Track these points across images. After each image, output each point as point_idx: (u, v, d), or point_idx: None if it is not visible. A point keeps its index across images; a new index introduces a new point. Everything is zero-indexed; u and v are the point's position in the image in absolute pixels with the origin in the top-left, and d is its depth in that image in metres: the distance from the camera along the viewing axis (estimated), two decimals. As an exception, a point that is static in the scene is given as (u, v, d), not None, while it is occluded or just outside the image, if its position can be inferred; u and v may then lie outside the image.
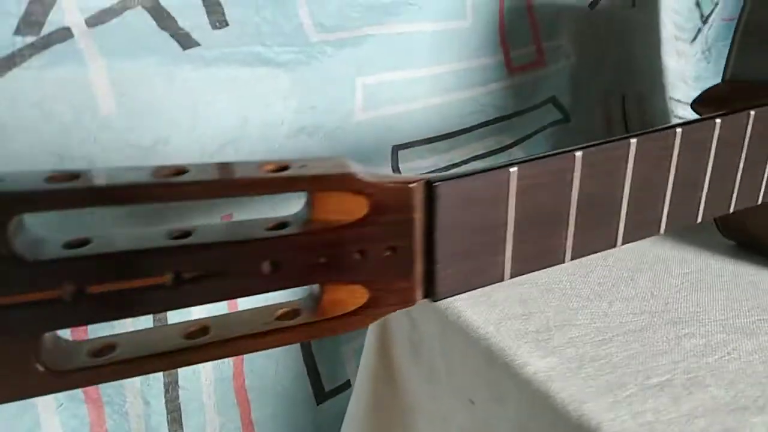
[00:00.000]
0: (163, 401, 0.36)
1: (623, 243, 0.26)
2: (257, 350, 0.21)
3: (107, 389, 0.34)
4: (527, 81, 0.61)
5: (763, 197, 0.33)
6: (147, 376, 0.35)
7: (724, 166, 0.30)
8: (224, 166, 0.19)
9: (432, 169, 0.54)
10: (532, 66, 0.62)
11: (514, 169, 0.22)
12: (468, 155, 0.56)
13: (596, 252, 0.26)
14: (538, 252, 0.24)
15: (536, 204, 0.23)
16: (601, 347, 0.31)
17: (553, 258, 0.24)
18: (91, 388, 0.34)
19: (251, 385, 0.40)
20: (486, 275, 0.23)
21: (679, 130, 0.27)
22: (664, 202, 0.28)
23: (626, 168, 0.26)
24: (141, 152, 0.33)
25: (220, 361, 0.40)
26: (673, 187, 0.27)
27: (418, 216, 0.21)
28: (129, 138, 0.33)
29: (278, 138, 0.39)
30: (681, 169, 0.27)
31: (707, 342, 0.33)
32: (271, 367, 0.43)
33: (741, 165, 0.31)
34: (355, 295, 0.22)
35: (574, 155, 0.24)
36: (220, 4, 0.38)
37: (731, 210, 0.32)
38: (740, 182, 0.31)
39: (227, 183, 0.18)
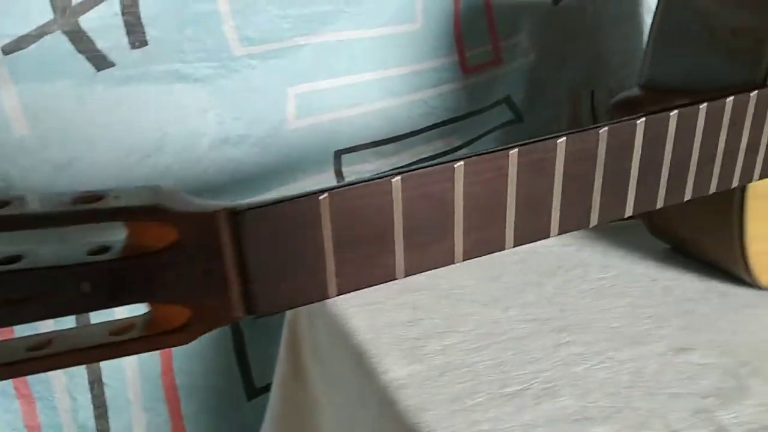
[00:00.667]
0: (89, 397, 0.39)
1: (464, 259, 0.27)
2: (92, 362, 0.23)
3: (36, 386, 0.38)
4: (482, 81, 0.61)
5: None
6: (72, 372, 0.38)
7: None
8: (46, 198, 0.21)
9: (377, 173, 0.55)
10: (488, 65, 0.62)
11: (324, 196, 0.23)
12: (414, 158, 0.57)
13: (433, 268, 0.27)
14: (365, 269, 0.25)
15: (356, 224, 0.24)
16: (472, 355, 0.32)
17: (383, 274, 0.25)
18: (21, 385, 0.38)
19: (181, 382, 0.43)
20: (310, 293, 0.24)
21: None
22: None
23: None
24: (57, 170, 0.36)
25: (146, 357, 0.43)
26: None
27: (226, 241, 0.23)
28: (44, 157, 0.36)
29: (200, 149, 0.42)
30: (522, 189, 0.28)
31: (585, 351, 0.34)
32: (202, 364, 0.45)
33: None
34: (180, 313, 0.24)
35: (390, 181, 0.25)
36: (141, 24, 0.40)
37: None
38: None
39: (38, 216, 0.21)
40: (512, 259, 0.45)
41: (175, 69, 0.40)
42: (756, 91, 0.32)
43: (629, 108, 0.40)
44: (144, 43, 0.40)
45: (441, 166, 0.26)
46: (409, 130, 0.57)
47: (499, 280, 0.41)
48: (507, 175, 0.27)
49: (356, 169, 0.54)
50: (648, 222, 0.47)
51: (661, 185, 0.33)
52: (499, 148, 0.27)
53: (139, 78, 0.39)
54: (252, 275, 0.23)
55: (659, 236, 0.47)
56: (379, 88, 0.54)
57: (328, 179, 0.52)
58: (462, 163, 0.26)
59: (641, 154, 0.31)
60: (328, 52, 0.49)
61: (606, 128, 0.29)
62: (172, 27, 0.41)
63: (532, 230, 0.29)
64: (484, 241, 0.28)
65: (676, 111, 0.30)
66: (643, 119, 0.29)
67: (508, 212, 0.28)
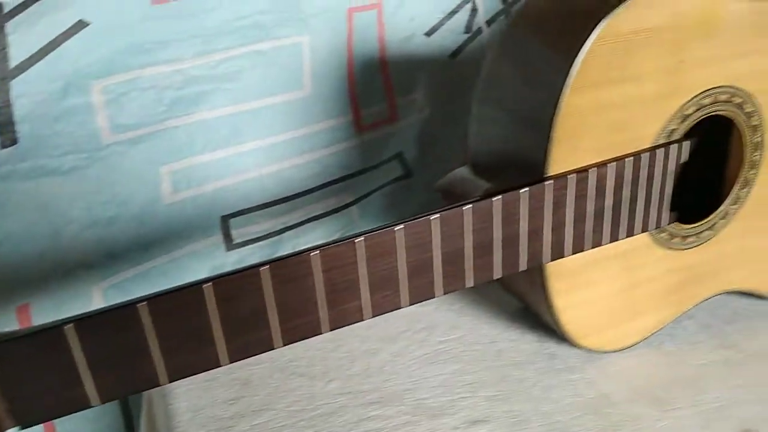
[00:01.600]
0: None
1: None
2: None
3: None
4: (377, 138, 0.64)
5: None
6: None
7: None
8: None
9: (267, 232, 0.59)
10: (383, 123, 0.65)
11: (69, 326, 0.27)
12: (305, 216, 0.60)
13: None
14: (124, 379, 0.29)
15: (106, 344, 0.28)
16: (271, 435, 0.36)
17: (144, 382, 0.29)
18: None
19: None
20: (71, 404, 0.28)
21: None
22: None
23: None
24: None
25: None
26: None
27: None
28: None
29: (68, 235, 0.46)
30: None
31: (383, 426, 0.37)
32: (88, 427, 0.49)
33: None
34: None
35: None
36: (13, 123, 0.44)
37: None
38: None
39: None
40: (365, 323, 0.48)
41: (41, 165, 0.44)
42: (527, 188, 0.35)
43: (452, 191, 0.43)
44: (14, 141, 0.44)
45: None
46: (301, 190, 0.60)
47: (340, 350, 0.44)
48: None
49: (246, 231, 0.58)
50: (500, 279, 0.50)
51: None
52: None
53: (4, 177, 0.43)
54: (10, 396, 0.27)
55: (511, 294, 0.50)
56: (267, 154, 0.58)
57: (216, 243, 0.56)
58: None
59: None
60: (206, 128, 0.53)
61: (438, 215, 0.33)
62: (44, 123, 0.45)
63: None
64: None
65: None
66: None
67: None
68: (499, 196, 0.34)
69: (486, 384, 0.41)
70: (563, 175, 0.36)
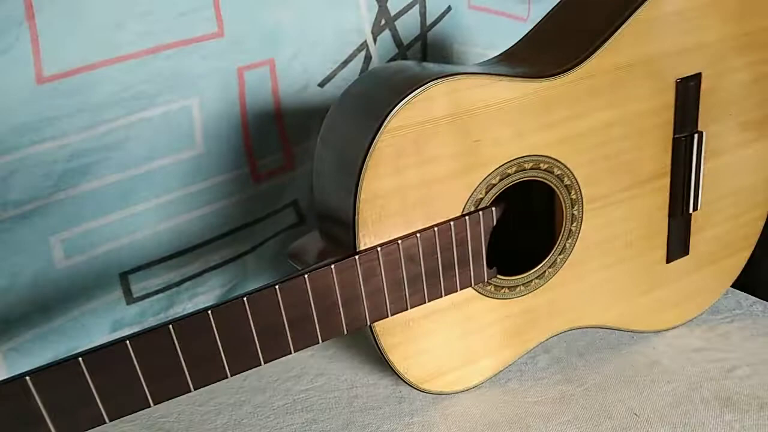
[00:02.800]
0: None
1: None
2: None
3: None
4: (273, 187, 0.68)
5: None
6: None
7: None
8: None
9: (167, 284, 0.63)
10: (279, 171, 0.69)
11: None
12: (203, 267, 0.64)
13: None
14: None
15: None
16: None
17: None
18: None
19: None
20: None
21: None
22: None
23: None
24: None
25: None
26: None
27: None
28: None
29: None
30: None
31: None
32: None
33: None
34: None
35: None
36: None
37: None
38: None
39: None
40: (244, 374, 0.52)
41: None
42: (333, 265, 0.40)
43: (300, 257, 0.47)
44: None
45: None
46: (198, 242, 0.64)
47: (210, 403, 0.49)
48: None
49: (146, 285, 0.62)
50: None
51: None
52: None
53: None
54: None
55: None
56: (161, 211, 0.62)
57: (116, 298, 0.60)
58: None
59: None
60: (94, 196, 0.57)
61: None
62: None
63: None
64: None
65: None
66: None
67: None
68: (307, 274, 0.39)
69: (333, 430, 0.45)
70: (371, 249, 0.41)
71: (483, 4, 0.85)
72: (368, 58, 0.76)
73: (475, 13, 0.84)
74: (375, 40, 0.75)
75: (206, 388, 0.43)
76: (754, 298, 0.63)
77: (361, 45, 0.73)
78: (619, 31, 0.44)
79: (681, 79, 0.48)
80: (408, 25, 0.78)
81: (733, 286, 0.62)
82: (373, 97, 0.41)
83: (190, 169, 0.64)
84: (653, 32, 0.45)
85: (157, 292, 0.63)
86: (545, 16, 0.53)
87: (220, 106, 0.65)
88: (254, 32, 0.65)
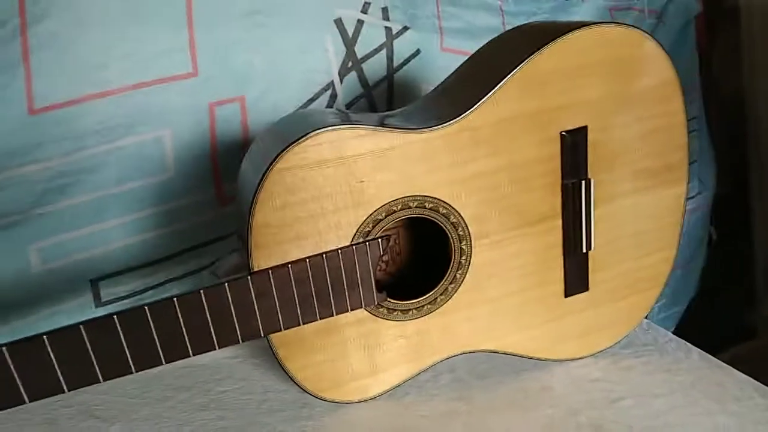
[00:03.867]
0: None
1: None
2: None
3: None
4: (236, 209, 0.76)
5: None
6: None
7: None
8: None
9: (133, 291, 0.71)
10: (242, 195, 0.77)
11: None
12: (166, 278, 0.73)
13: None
14: None
15: None
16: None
17: None
18: None
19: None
20: None
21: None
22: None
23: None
24: None
25: None
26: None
27: None
28: None
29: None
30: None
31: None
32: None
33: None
34: None
35: None
36: None
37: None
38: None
39: None
40: (180, 371, 0.60)
41: None
42: (226, 284, 0.47)
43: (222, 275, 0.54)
44: None
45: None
46: (164, 256, 0.73)
47: (140, 396, 0.56)
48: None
49: (113, 291, 0.70)
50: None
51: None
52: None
53: None
54: None
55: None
56: (132, 227, 0.71)
57: (86, 302, 0.69)
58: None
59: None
60: (70, 212, 0.66)
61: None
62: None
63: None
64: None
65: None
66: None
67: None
68: (203, 290, 0.46)
69: (236, 427, 0.52)
70: (263, 271, 0.47)
71: (456, 46, 0.92)
72: (334, 97, 0.84)
73: (447, 54, 0.90)
74: (341, 80, 0.83)
75: (141, 383, 0.51)
76: (672, 336, 0.66)
77: (328, 84, 0.81)
78: (499, 86, 0.50)
79: (566, 132, 0.53)
80: (375, 67, 0.85)
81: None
82: (272, 140, 0.49)
83: (161, 191, 0.73)
84: (534, 88, 0.51)
85: (123, 298, 0.72)
86: (455, 70, 0.59)
87: (191, 136, 0.74)
88: (226, 72, 0.74)
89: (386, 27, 0.83)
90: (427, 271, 0.57)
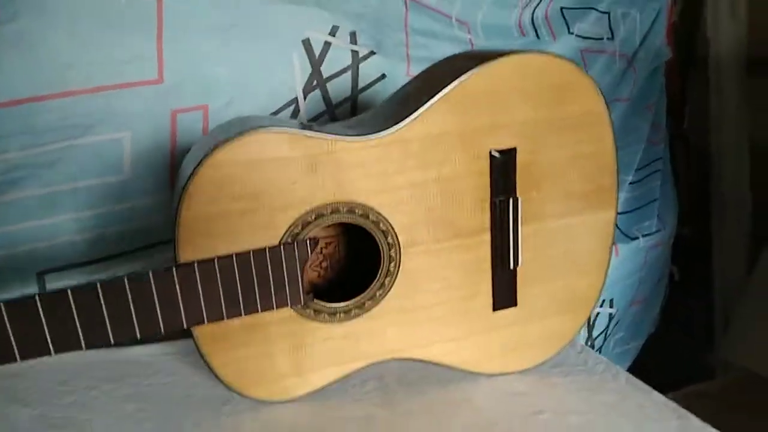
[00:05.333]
0: None
1: None
2: None
3: None
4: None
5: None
6: None
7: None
8: None
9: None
10: (197, 200, 0.79)
11: None
12: (113, 275, 0.74)
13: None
14: None
15: None
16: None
17: None
18: None
19: None
20: None
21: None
22: None
23: None
24: None
25: None
26: None
27: None
28: None
29: None
30: None
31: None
32: None
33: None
34: None
35: None
36: None
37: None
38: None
39: None
40: (113, 363, 0.60)
41: None
42: (150, 274, 0.48)
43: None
44: None
45: None
46: (113, 254, 0.74)
47: (69, 382, 0.57)
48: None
49: (60, 285, 0.71)
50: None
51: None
52: None
53: None
54: None
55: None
56: (82, 224, 0.72)
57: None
58: None
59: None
60: (20, 204, 0.68)
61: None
62: None
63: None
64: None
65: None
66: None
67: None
68: (126, 278, 0.47)
69: (154, 419, 0.53)
70: (189, 264, 0.49)
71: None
72: (296, 112, 0.86)
73: (412, 79, 0.94)
74: (305, 97, 0.86)
75: (70, 373, 0.52)
76: (603, 359, 0.68)
77: (291, 100, 0.84)
78: (429, 104, 0.53)
79: (495, 151, 0.56)
80: (339, 87, 0.88)
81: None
82: (209, 139, 0.52)
83: (115, 192, 0.75)
84: (463, 108, 0.54)
85: (69, 292, 0.73)
86: (400, 87, 0.62)
87: (150, 141, 0.76)
88: (191, 81, 0.77)
89: (353, 50, 0.86)
90: (364, 277, 0.58)
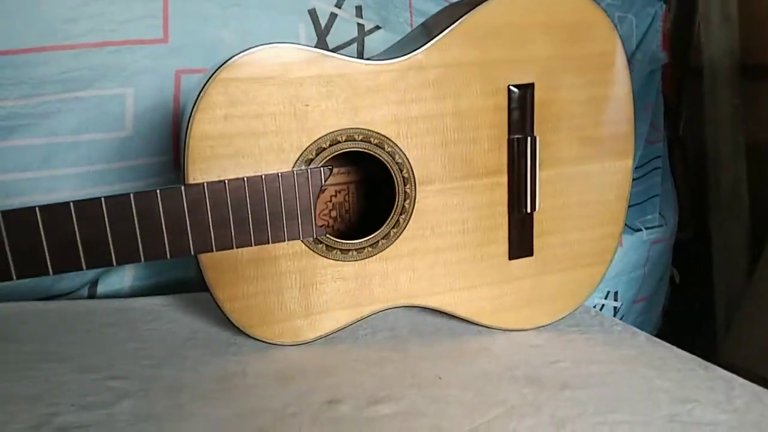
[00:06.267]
0: None
1: None
2: None
3: None
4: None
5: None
6: None
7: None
8: None
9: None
10: (199, 163, 0.77)
11: None
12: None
13: None
14: None
15: None
16: None
17: None
18: None
19: None
20: None
21: None
22: None
23: None
24: None
25: None
26: None
27: None
28: None
29: None
30: None
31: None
32: None
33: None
34: None
35: None
36: None
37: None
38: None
39: None
40: (107, 312, 0.58)
41: None
42: (158, 190, 0.46)
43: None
44: None
45: None
46: (111, 213, 0.71)
47: (64, 326, 0.54)
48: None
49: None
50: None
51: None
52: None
53: None
54: None
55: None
56: (82, 180, 0.70)
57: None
58: None
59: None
60: (17, 153, 0.65)
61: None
62: None
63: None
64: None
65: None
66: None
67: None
68: (132, 194, 0.45)
69: (152, 357, 0.50)
70: (198, 184, 0.47)
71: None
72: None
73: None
74: (310, 66, 0.85)
75: (68, 318, 0.49)
76: (620, 322, 0.66)
77: (296, 68, 0.83)
78: (445, 33, 0.51)
79: (513, 85, 0.54)
80: (345, 58, 0.87)
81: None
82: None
83: (116, 148, 0.72)
84: (480, 39, 0.53)
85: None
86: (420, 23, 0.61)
87: (153, 99, 0.74)
88: (196, 43, 0.75)
89: (359, 24, 0.86)
90: (376, 227, 0.56)
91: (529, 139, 0.56)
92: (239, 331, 0.53)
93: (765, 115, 1.34)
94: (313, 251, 0.52)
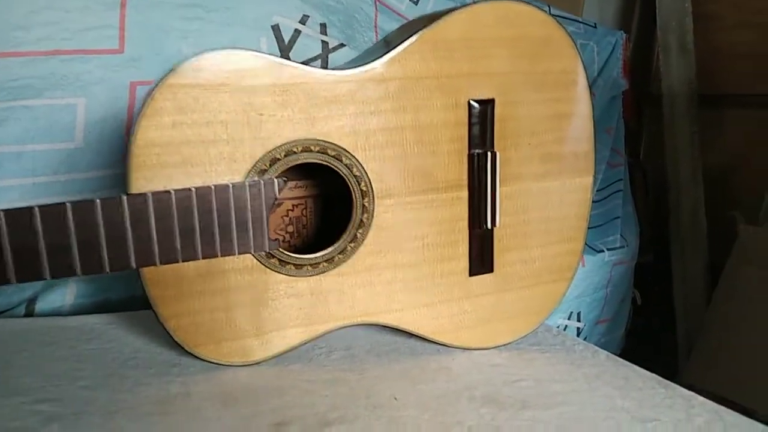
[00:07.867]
0: None
1: None
2: None
3: None
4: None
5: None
6: None
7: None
8: None
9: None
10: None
11: None
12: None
13: None
14: None
15: None
16: None
17: None
18: None
19: None
20: None
21: None
22: None
23: None
24: None
25: None
26: None
27: None
28: None
29: None
30: None
31: None
32: None
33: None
34: None
35: None
36: None
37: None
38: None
39: None
40: (44, 330, 0.54)
41: None
42: (98, 200, 0.43)
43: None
44: None
45: None
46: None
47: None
48: None
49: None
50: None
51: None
52: None
53: None
54: None
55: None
56: (26, 191, 0.66)
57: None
58: None
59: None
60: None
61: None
62: None
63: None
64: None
65: None
66: None
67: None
68: (69, 203, 0.42)
69: (89, 378, 0.46)
70: (141, 194, 0.44)
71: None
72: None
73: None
74: (272, 81, 0.83)
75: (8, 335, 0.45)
76: (580, 341, 0.65)
77: (257, 83, 0.81)
78: (405, 44, 0.51)
79: (473, 100, 0.54)
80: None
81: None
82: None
83: (64, 160, 0.69)
84: (440, 53, 0.52)
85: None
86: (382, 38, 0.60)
87: (106, 111, 0.71)
88: (153, 55, 0.73)
89: (323, 41, 0.85)
90: (333, 242, 0.54)
91: (489, 154, 0.55)
92: (185, 351, 0.50)
93: (722, 142, 1.38)
94: (266, 266, 0.50)
